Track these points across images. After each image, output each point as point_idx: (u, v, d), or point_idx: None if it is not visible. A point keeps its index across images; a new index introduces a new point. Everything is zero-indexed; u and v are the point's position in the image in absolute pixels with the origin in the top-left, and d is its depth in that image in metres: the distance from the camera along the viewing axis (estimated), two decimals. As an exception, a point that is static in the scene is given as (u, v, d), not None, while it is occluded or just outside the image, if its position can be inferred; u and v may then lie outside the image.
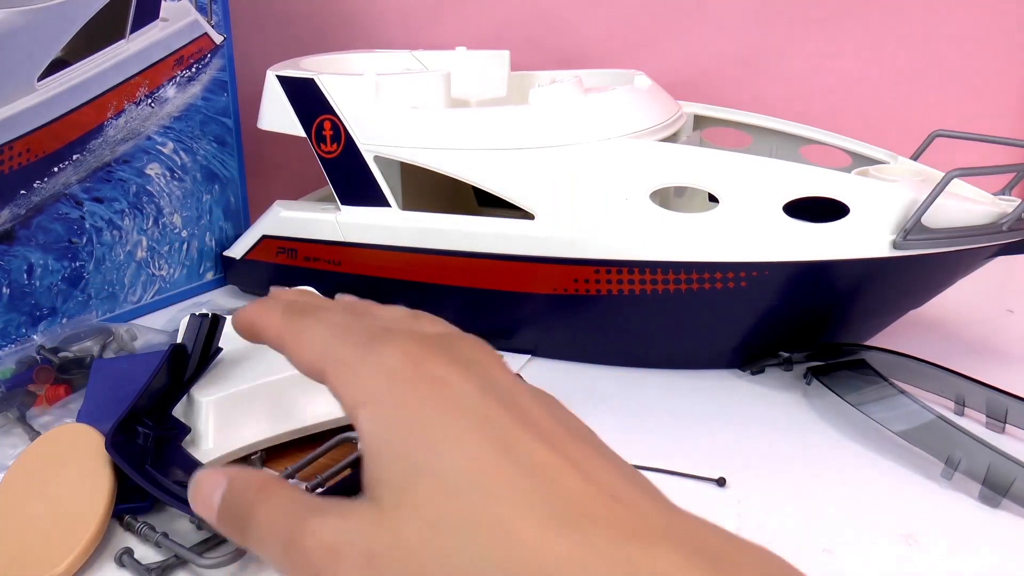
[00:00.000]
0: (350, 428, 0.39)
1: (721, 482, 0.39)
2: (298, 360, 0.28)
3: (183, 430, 0.38)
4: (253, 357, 0.42)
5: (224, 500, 0.27)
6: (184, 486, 0.33)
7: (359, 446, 0.26)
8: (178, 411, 0.39)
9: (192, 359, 0.39)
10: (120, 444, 0.36)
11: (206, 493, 0.27)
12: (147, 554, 0.34)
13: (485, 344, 0.28)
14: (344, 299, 0.32)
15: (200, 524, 0.34)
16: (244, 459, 0.39)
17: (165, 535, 0.33)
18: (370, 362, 0.26)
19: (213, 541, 0.34)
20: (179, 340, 0.40)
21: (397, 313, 0.30)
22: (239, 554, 0.32)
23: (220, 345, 0.41)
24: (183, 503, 0.33)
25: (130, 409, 0.37)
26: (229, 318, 0.44)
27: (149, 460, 0.36)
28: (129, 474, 0.35)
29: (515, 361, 0.50)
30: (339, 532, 0.23)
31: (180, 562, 0.33)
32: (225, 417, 0.38)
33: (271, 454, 0.39)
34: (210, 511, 0.26)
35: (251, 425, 0.39)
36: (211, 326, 0.40)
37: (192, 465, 0.36)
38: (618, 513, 0.22)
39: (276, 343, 0.29)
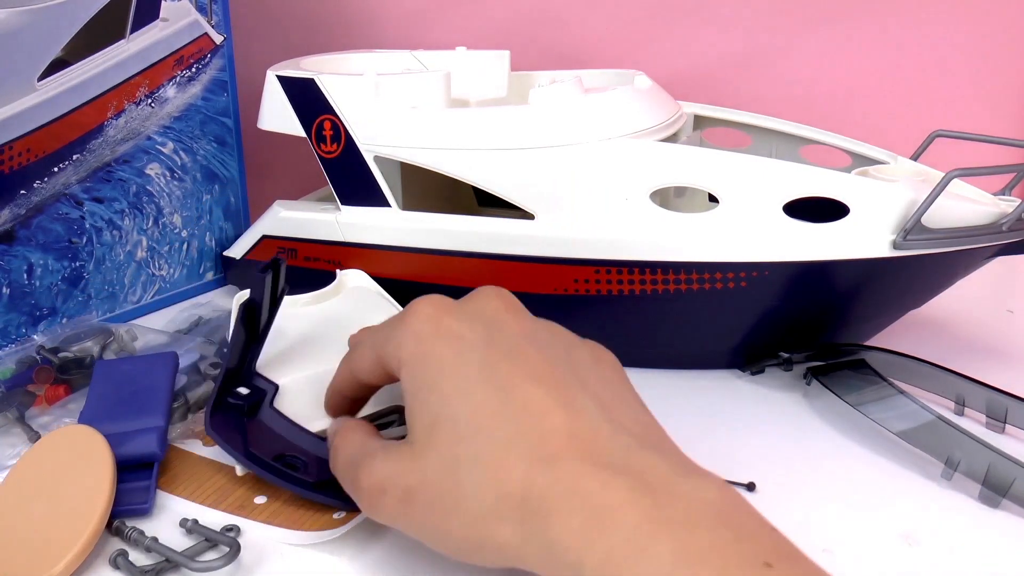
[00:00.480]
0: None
1: (721, 482, 0.39)
2: (362, 370, 0.34)
3: (271, 386, 0.38)
4: (321, 341, 0.42)
5: (330, 446, 0.34)
6: (286, 463, 0.35)
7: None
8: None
9: (263, 311, 0.39)
10: (220, 425, 0.36)
11: (330, 435, 0.34)
12: (141, 557, 0.33)
13: (503, 295, 0.33)
14: None
15: (191, 528, 0.34)
16: None
17: (155, 539, 0.33)
18: (403, 330, 0.31)
19: (204, 546, 0.34)
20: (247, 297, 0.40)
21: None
22: (231, 558, 0.32)
23: (287, 292, 0.41)
24: (295, 484, 0.34)
25: (224, 376, 0.37)
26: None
27: (249, 438, 0.36)
28: (239, 459, 0.35)
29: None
30: (384, 473, 0.29)
31: (172, 565, 0.33)
32: (294, 400, 0.38)
33: None
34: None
35: (319, 410, 0.38)
36: (275, 273, 0.39)
37: (291, 431, 0.36)
38: (586, 449, 0.26)
39: (351, 380, 0.35)
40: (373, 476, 0.30)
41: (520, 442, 0.26)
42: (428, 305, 0.31)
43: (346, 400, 0.36)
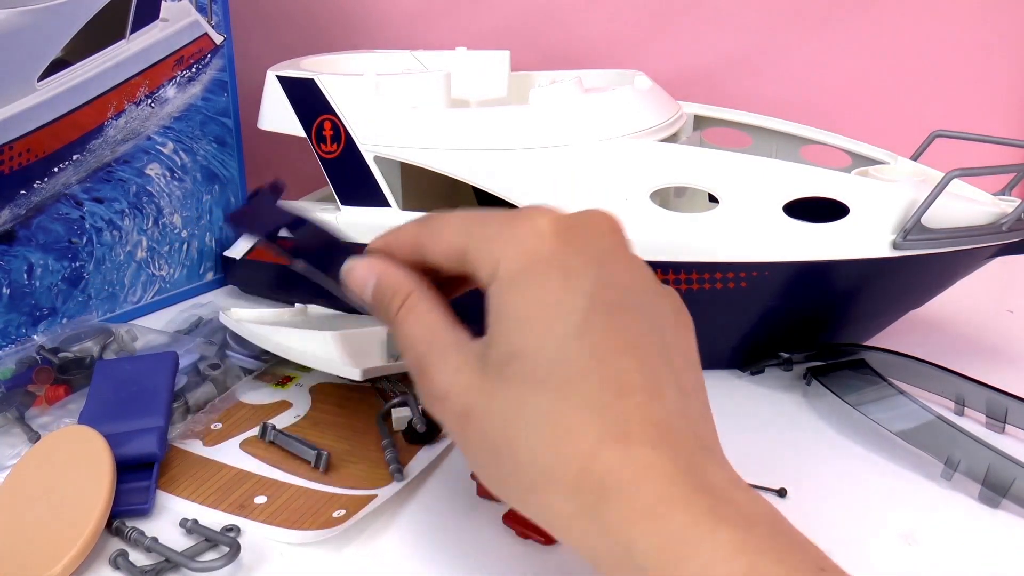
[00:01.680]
0: None
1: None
2: (436, 246, 0.30)
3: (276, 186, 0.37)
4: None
5: (374, 295, 0.31)
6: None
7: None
8: None
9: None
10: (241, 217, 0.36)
11: (360, 281, 0.31)
12: (141, 557, 0.33)
13: (614, 227, 0.29)
14: None
15: (191, 528, 0.34)
16: None
17: (155, 540, 0.33)
18: (509, 238, 0.28)
19: (204, 546, 0.34)
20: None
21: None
22: (231, 558, 0.32)
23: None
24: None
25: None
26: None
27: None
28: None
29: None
30: (449, 384, 0.27)
31: (172, 565, 0.33)
32: (349, 348, 0.41)
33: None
34: (365, 296, 0.31)
35: (371, 354, 0.41)
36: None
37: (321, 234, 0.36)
38: (660, 438, 0.25)
39: (413, 247, 0.31)
40: (438, 381, 0.28)
41: (596, 413, 0.25)
42: (542, 218, 0.28)
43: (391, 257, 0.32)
